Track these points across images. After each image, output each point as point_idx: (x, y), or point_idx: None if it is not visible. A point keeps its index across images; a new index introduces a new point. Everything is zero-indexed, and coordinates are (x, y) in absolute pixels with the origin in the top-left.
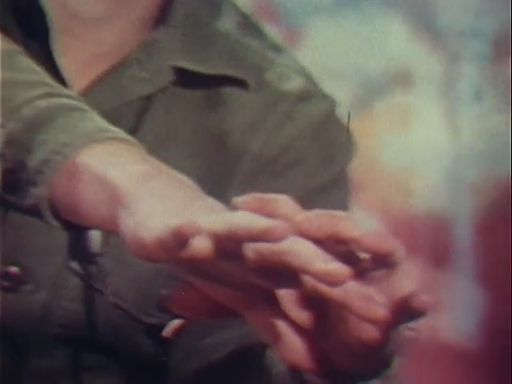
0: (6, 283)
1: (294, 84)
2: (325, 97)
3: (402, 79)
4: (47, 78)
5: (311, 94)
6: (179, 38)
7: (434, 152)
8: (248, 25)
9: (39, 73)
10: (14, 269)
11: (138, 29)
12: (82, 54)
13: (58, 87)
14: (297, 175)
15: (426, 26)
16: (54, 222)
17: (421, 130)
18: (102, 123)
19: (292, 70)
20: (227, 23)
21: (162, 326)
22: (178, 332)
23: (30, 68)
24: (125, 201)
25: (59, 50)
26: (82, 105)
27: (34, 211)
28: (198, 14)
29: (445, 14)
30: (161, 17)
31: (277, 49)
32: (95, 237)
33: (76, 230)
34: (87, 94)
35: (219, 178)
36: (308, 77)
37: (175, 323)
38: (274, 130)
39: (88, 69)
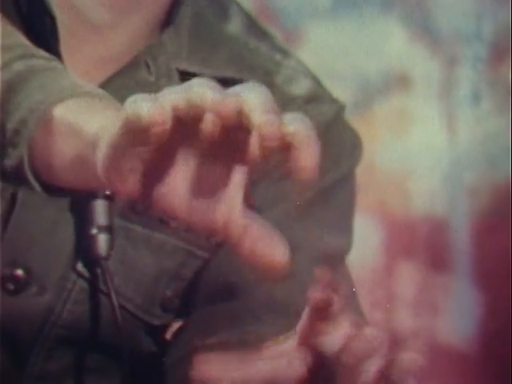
0: (10, 286)
1: (302, 87)
2: (332, 99)
3: (400, 82)
4: (21, 38)
5: (319, 96)
6: (186, 41)
7: (432, 155)
8: (255, 27)
9: (15, 35)
10: (18, 271)
11: (145, 32)
12: (89, 58)
13: (34, 48)
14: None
15: (425, 29)
16: (35, 184)
17: (419, 132)
18: (76, 81)
19: (300, 73)
20: (235, 26)
21: (165, 327)
22: (178, 332)
23: (6, 32)
24: (96, 144)
25: (66, 53)
26: (57, 64)
27: (17, 174)
28: (205, 17)
29: (443, 17)
30: (168, 20)
31: (284, 51)
32: (102, 239)
33: (56, 194)
34: None
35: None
36: (315, 79)
37: (177, 324)
38: None
39: (95, 72)
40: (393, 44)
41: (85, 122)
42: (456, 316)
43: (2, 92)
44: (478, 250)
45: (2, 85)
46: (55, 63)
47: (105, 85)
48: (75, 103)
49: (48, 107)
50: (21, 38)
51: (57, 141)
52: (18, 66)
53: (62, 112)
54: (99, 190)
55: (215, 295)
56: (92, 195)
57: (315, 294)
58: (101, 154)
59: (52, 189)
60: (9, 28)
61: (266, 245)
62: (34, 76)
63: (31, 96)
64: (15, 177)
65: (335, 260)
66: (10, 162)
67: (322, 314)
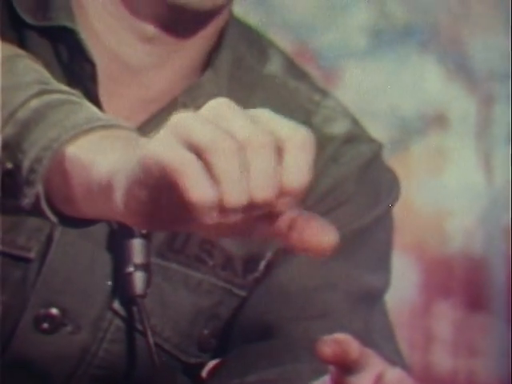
0: (44, 325)
1: (340, 127)
2: (370, 139)
3: (437, 121)
4: (43, 75)
5: (357, 136)
6: (225, 83)
7: (469, 194)
8: (294, 68)
9: (35, 72)
10: (53, 310)
11: (185, 74)
12: (128, 101)
13: (53, 83)
14: (341, 216)
15: (461, 67)
16: (54, 218)
17: (456, 171)
18: (91, 113)
19: (338, 113)
20: (274, 67)
21: (201, 366)
22: (214, 371)
23: (27, 69)
24: (111, 179)
25: (105, 98)
26: (74, 97)
27: (34, 211)
28: (245, 59)
29: (478, 57)
30: (208, 62)
31: (322, 91)
32: (138, 277)
33: (75, 226)
34: None
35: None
36: (353, 119)
37: (213, 363)
38: (319, 173)
39: (134, 114)
40: (429, 83)
41: (97, 159)
42: (494, 356)
43: (19, 131)
44: None
45: (19, 123)
46: (72, 96)
47: (143, 127)
48: (88, 140)
49: (62, 145)
50: (39, 74)
51: (71, 177)
52: (35, 103)
53: (75, 149)
54: (115, 220)
55: (252, 334)
56: (129, 233)
57: (323, 349)
58: (121, 188)
59: (71, 221)
60: (28, 64)
61: (313, 230)
62: (49, 112)
63: (46, 134)
64: (31, 213)
65: (373, 298)
66: (27, 201)
67: (343, 365)
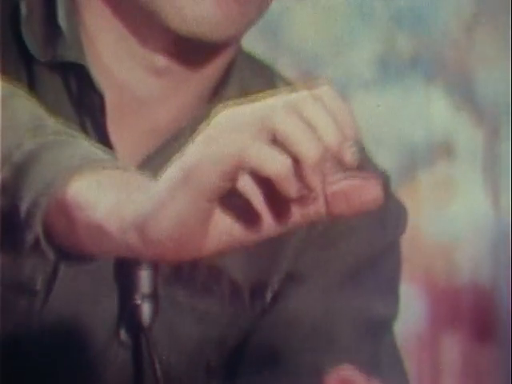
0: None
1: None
2: (376, 169)
3: (444, 151)
4: (38, 115)
5: (364, 166)
6: None
7: (476, 224)
8: None
9: (31, 112)
10: (59, 341)
11: (192, 105)
12: (136, 131)
13: (47, 123)
14: (348, 244)
15: (468, 99)
16: (55, 257)
17: (464, 201)
18: (87, 153)
19: None
20: None
21: None
22: None
23: (23, 109)
24: (112, 223)
25: (113, 128)
26: (69, 136)
27: (35, 250)
28: (252, 90)
29: (486, 88)
30: (215, 92)
31: None
32: (146, 308)
33: (77, 262)
34: (141, 168)
35: (271, 248)
36: (361, 149)
37: None
38: None
39: (142, 144)
40: (436, 114)
41: (94, 199)
42: None
43: (15, 174)
44: None
45: (15, 167)
46: (67, 136)
47: (151, 157)
48: (84, 181)
49: (58, 188)
50: (35, 115)
51: (70, 218)
52: (30, 145)
53: (72, 191)
54: (116, 254)
55: (259, 363)
56: (136, 263)
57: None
58: (135, 225)
59: (74, 257)
60: (24, 104)
61: (359, 191)
62: (44, 153)
63: (41, 177)
64: (33, 252)
65: (381, 328)
66: (27, 242)
67: None
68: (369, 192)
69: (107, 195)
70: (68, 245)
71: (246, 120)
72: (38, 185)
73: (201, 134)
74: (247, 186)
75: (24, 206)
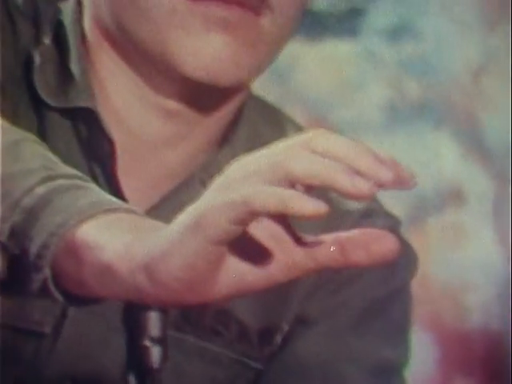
0: None
1: (358, 202)
2: (387, 214)
3: (454, 197)
4: (49, 160)
5: (374, 211)
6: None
7: (486, 269)
8: None
9: (41, 157)
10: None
11: (202, 149)
12: (146, 176)
13: (57, 167)
14: (357, 288)
15: (476, 145)
16: (62, 299)
17: (473, 247)
18: (96, 197)
19: None
20: None
21: None
22: None
23: (33, 155)
24: (122, 266)
25: (123, 173)
26: (79, 181)
27: (41, 292)
28: (262, 135)
29: (493, 134)
30: (225, 137)
31: None
32: (155, 351)
33: (84, 304)
34: (152, 214)
35: (281, 291)
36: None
37: None
38: None
39: (152, 190)
40: (445, 159)
41: (103, 240)
42: None
43: (25, 218)
44: None
45: (25, 210)
46: (77, 181)
47: (161, 202)
48: (94, 224)
49: (67, 231)
50: (45, 159)
51: (80, 260)
52: (40, 189)
53: (81, 234)
54: (124, 296)
55: None
56: (144, 307)
57: None
58: (146, 268)
59: (81, 300)
60: (34, 149)
61: (376, 241)
62: (55, 198)
63: (52, 220)
64: (40, 295)
65: (391, 373)
66: (35, 285)
67: None
68: (387, 242)
69: (116, 236)
70: (76, 287)
71: (257, 168)
72: (48, 227)
73: (214, 182)
74: (260, 231)
75: (34, 248)
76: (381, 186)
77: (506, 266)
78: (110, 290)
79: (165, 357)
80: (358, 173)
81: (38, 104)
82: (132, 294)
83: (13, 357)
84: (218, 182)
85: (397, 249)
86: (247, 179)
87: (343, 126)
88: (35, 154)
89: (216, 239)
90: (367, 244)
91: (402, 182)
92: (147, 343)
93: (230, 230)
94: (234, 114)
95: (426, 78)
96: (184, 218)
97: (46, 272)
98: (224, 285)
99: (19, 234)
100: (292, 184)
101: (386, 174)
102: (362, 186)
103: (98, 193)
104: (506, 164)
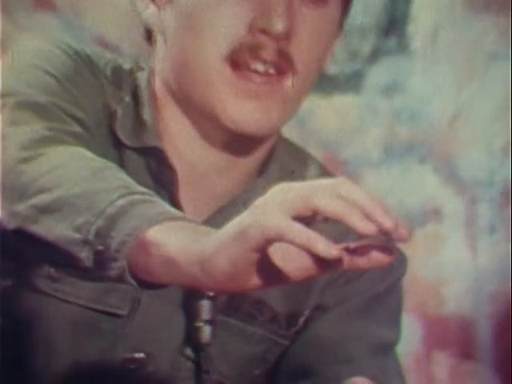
0: (131, 365)
1: None
2: None
3: (434, 215)
4: (127, 181)
5: None
6: (274, 185)
7: (460, 269)
8: (325, 173)
9: (122, 179)
10: (140, 354)
11: (243, 178)
12: (199, 198)
13: (134, 186)
14: (361, 284)
15: (452, 176)
16: (134, 283)
17: (449, 253)
18: (163, 209)
19: None
20: (311, 172)
21: None
22: None
23: (116, 177)
24: (182, 258)
25: (182, 196)
26: (150, 197)
27: (119, 279)
28: (290, 166)
29: (466, 168)
30: (261, 169)
31: None
32: (206, 330)
33: (152, 288)
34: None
35: (304, 285)
36: None
37: None
38: None
39: (203, 209)
40: (428, 186)
41: (168, 239)
42: None
43: (108, 222)
44: (498, 343)
45: (108, 217)
46: (148, 197)
47: (211, 217)
48: (161, 227)
49: (140, 232)
50: (124, 181)
51: (149, 254)
52: (120, 202)
53: (152, 234)
54: (182, 283)
55: (294, 375)
56: (199, 295)
57: None
58: (202, 260)
59: (149, 285)
60: (117, 173)
61: (375, 252)
62: (131, 208)
63: (129, 224)
64: (117, 280)
65: (387, 349)
66: (113, 272)
67: None
68: (387, 254)
69: (178, 237)
70: (145, 275)
71: (290, 196)
72: (125, 229)
73: (255, 202)
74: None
75: (114, 245)
76: (381, 231)
77: (473, 266)
78: (171, 278)
79: (214, 335)
80: (368, 216)
81: (118, 144)
82: (188, 282)
83: (92, 336)
84: (257, 202)
85: (393, 259)
86: (281, 205)
87: (349, 161)
88: (117, 176)
89: (252, 249)
90: (370, 253)
91: (398, 233)
92: (200, 324)
93: (263, 244)
94: (268, 152)
95: (412, 124)
96: (230, 227)
97: (123, 263)
98: (258, 278)
99: (103, 234)
100: (314, 214)
101: (387, 224)
102: (368, 228)
103: (163, 206)
104: (475, 189)
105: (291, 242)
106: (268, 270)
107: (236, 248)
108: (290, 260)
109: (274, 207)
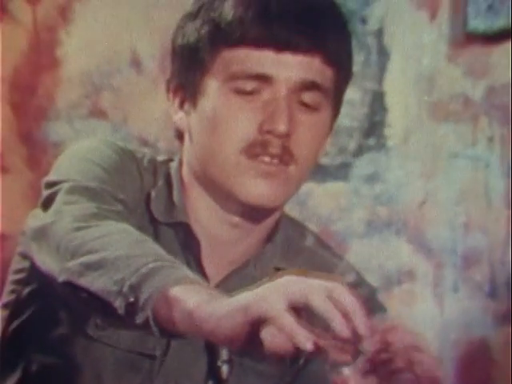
0: None
1: (350, 277)
2: (368, 284)
3: (407, 276)
4: (158, 250)
5: (360, 282)
6: (279, 251)
7: (429, 320)
8: (321, 242)
9: (153, 249)
10: None
11: (254, 245)
12: (219, 262)
13: (164, 254)
14: None
15: (422, 245)
16: (157, 332)
17: (420, 307)
18: (184, 273)
19: (349, 269)
20: (309, 242)
21: None
22: None
23: (149, 247)
24: (198, 314)
25: (204, 259)
26: (175, 264)
27: (144, 326)
28: (291, 236)
29: (432, 239)
30: (269, 237)
31: (339, 257)
32: (224, 368)
33: (172, 337)
34: (221, 285)
35: None
36: (358, 273)
37: None
38: None
39: (222, 269)
40: (403, 254)
41: (188, 296)
42: None
43: (140, 280)
44: (462, 375)
45: (140, 276)
46: (174, 263)
47: (228, 276)
48: (182, 287)
49: (165, 290)
50: (156, 250)
51: (171, 308)
52: (152, 265)
53: (174, 292)
54: (201, 337)
55: None
56: None
57: None
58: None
59: (170, 334)
60: (150, 244)
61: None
62: (159, 271)
63: (156, 283)
64: (142, 328)
65: None
66: (140, 320)
67: None
68: (344, 353)
69: (196, 295)
70: (168, 326)
71: (290, 290)
72: (153, 287)
73: (262, 285)
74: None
75: (142, 298)
76: (356, 335)
77: (441, 318)
78: (189, 329)
79: (231, 372)
80: (348, 319)
81: (153, 220)
82: (201, 334)
83: (132, 373)
84: (263, 286)
85: (349, 361)
86: (282, 295)
87: (339, 233)
88: (152, 247)
89: (248, 322)
90: (328, 352)
91: (362, 344)
92: (220, 363)
93: (256, 321)
94: (275, 223)
95: (390, 205)
96: (238, 299)
97: (148, 313)
98: (244, 343)
99: (135, 288)
100: (306, 305)
101: (361, 331)
102: (344, 333)
103: (186, 271)
104: (442, 256)
105: (279, 327)
106: (253, 339)
107: (237, 320)
108: (273, 338)
109: (276, 295)
